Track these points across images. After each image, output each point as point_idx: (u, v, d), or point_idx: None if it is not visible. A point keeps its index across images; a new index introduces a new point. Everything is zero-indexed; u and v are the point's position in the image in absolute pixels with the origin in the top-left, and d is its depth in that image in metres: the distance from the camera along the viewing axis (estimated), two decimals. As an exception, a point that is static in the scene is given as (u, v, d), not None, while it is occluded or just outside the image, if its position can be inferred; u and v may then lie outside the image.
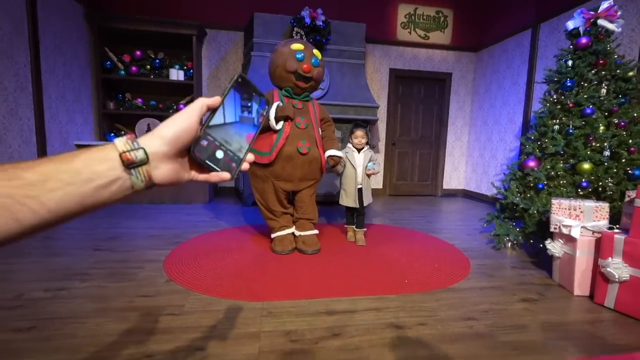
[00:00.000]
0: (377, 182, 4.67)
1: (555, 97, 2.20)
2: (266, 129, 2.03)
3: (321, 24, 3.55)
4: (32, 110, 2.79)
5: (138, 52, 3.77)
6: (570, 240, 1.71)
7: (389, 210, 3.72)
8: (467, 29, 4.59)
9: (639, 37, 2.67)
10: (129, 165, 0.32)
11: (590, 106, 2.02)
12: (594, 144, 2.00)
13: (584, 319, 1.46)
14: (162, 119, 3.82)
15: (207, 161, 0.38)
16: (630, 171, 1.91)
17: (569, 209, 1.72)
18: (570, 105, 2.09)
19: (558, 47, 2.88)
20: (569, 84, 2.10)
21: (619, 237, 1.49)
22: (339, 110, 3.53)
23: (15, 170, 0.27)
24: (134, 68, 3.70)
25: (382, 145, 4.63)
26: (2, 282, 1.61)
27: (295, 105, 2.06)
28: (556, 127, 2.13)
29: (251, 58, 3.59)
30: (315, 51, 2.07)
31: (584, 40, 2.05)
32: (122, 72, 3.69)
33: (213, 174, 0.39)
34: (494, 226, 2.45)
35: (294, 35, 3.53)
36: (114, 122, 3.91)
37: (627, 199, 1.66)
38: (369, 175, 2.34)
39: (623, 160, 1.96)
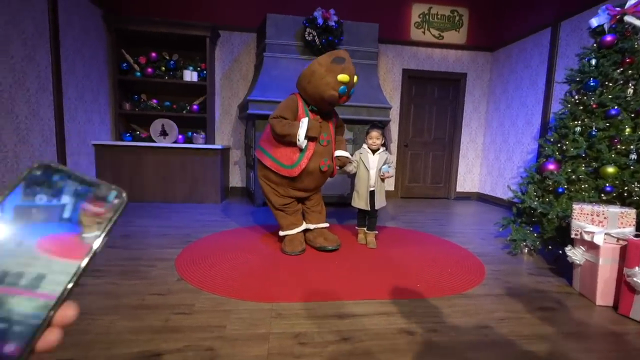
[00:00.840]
0: (389, 184, 4.61)
1: (577, 97, 2.11)
2: (288, 142, 2.00)
3: (334, 24, 3.53)
4: (53, 110, 2.88)
5: (153, 54, 3.85)
6: (592, 247, 1.63)
7: (400, 213, 3.66)
8: (483, 29, 4.49)
9: (668, 35, 2.53)
10: None
11: (616, 107, 1.92)
12: (619, 146, 1.90)
13: (608, 331, 1.38)
14: (175, 119, 3.89)
15: None
16: (658, 175, 1.82)
17: (592, 215, 1.64)
18: (594, 106, 2.00)
19: (580, 45, 2.77)
20: (592, 84, 2.01)
21: (646, 245, 1.41)
22: (351, 111, 3.50)
23: None
24: (149, 69, 3.78)
25: (394, 146, 4.57)
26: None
27: (320, 123, 2.05)
28: (578, 128, 2.04)
29: (263, 59, 3.61)
30: (356, 79, 1.95)
31: (609, 38, 1.96)
32: (138, 74, 3.78)
33: None
34: (510, 231, 2.37)
35: (306, 36, 3.52)
36: (130, 123, 4.00)
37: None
38: (382, 179, 2.29)
39: (651, 164, 1.86)
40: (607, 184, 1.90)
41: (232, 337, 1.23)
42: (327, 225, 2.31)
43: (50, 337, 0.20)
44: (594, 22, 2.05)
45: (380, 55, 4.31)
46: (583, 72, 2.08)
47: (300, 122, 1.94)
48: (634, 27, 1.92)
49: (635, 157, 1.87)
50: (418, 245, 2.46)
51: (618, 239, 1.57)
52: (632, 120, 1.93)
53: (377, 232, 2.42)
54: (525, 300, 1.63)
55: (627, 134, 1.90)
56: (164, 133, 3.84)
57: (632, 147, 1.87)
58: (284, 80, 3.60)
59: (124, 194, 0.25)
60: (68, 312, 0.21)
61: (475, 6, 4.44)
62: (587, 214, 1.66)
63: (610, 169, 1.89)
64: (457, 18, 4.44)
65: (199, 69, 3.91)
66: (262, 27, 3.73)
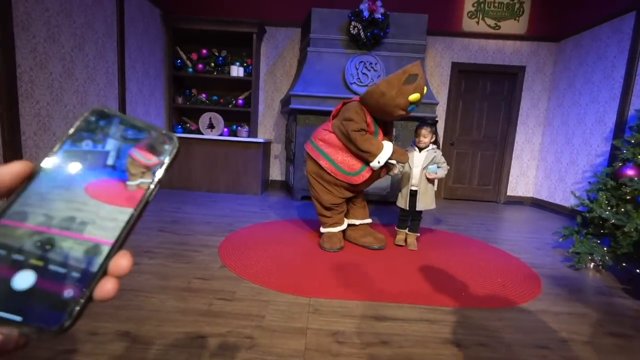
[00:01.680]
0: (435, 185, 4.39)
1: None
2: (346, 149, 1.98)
3: (380, 17, 3.42)
4: (117, 104, 3.17)
5: (204, 51, 4.05)
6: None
7: (443, 215, 3.47)
8: (548, 16, 4.04)
9: None
10: None
11: None
12: None
13: (701, 369, 1.17)
14: (222, 113, 4.07)
15: None
16: None
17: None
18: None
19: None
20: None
21: None
22: (394, 107, 3.37)
23: None
24: (200, 65, 3.99)
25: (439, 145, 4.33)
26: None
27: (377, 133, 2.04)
28: (669, 128, 1.75)
29: (307, 54, 3.61)
30: (425, 90, 1.87)
31: None
32: (190, 70, 4.00)
33: (0, 334, 0.17)
34: (573, 242, 2.12)
35: (351, 29, 3.45)
36: (181, 116, 4.27)
37: None
38: (428, 179, 2.14)
39: None
40: None
41: (270, 328, 1.25)
42: (370, 220, 2.28)
43: (107, 286, 0.19)
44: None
45: (428, 48, 4.09)
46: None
47: (385, 146, 1.90)
48: None
49: None
50: (462, 250, 2.31)
51: None
52: None
53: (419, 234, 2.31)
54: (594, 322, 1.44)
55: None
56: (211, 126, 4.04)
57: None
58: (327, 75, 3.58)
59: (176, 139, 0.23)
60: (123, 262, 0.20)
61: (540, -9, 4.01)
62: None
63: None
64: (517, 6, 4.05)
65: (245, 64, 4.04)
66: (307, 21, 3.73)
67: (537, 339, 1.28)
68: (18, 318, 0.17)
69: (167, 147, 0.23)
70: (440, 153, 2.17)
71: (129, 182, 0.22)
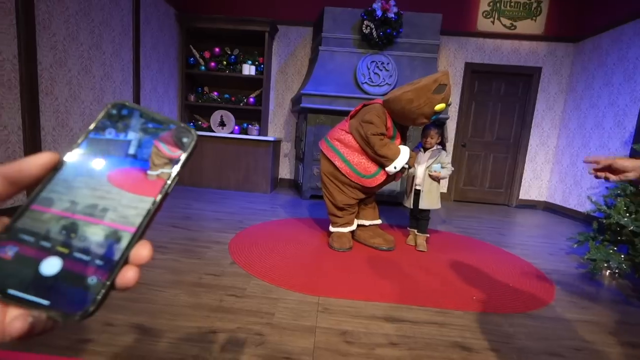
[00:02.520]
0: (442, 185, 4.33)
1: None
2: (360, 149, 1.97)
3: (393, 16, 3.39)
4: (132, 101, 3.23)
5: (217, 49, 4.09)
6: None
7: (453, 217, 3.43)
8: (566, 15, 3.94)
9: None
10: None
11: None
12: None
13: None
14: (233, 111, 4.11)
15: (11, 292, 0.18)
16: None
17: None
18: None
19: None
20: None
21: None
22: (405, 107, 3.35)
23: None
24: (212, 64, 4.03)
25: (450, 146, 4.29)
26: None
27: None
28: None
29: (319, 53, 3.61)
30: (450, 101, 1.87)
31: None
32: (203, 68, 4.05)
33: (26, 322, 0.18)
34: (588, 248, 2.07)
35: (363, 28, 3.44)
36: (193, 113, 4.32)
37: None
38: (432, 178, 2.13)
39: None
40: None
41: (280, 326, 1.26)
42: (380, 222, 2.27)
43: (129, 274, 0.20)
44: None
45: (441, 48, 4.04)
46: None
47: (402, 151, 1.89)
48: None
49: None
50: (473, 253, 2.28)
51: None
52: None
53: (428, 235, 2.29)
54: (609, 331, 1.40)
55: None
56: (222, 124, 4.08)
57: None
58: (338, 75, 3.57)
59: (194, 132, 0.24)
60: (143, 251, 0.20)
61: (559, -10, 3.91)
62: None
63: None
64: (534, 5, 3.96)
65: (257, 63, 4.06)
66: (319, 20, 3.73)
67: (549, 347, 1.25)
68: (46, 302, 0.18)
69: (185, 140, 0.23)
70: (446, 154, 2.16)
71: (149, 172, 0.23)
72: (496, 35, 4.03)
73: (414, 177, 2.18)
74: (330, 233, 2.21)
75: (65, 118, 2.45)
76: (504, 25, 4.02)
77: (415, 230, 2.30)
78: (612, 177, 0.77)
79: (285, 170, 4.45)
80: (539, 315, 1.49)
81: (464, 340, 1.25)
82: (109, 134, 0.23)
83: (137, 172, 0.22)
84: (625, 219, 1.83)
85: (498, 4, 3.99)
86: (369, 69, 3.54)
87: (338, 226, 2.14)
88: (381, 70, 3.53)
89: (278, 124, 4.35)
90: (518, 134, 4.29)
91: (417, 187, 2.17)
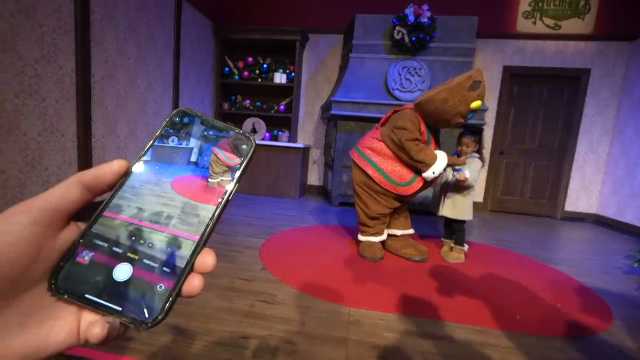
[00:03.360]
0: (477, 194, 4.13)
1: None
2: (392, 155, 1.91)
3: (426, 20, 3.32)
4: (171, 110, 3.42)
5: (250, 59, 4.24)
6: None
7: (491, 229, 3.24)
8: (619, 12, 3.63)
9: None
10: None
11: None
12: None
13: None
14: (264, 118, 4.21)
15: (88, 297, 0.18)
16: None
17: None
18: None
19: None
20: None
21: None
22: (438, 113, 3.24)
23: None
24: (245, 73, 4.18)
25: (486, 153, 4.07)
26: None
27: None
28: None
29: (349, 60, 3.62)
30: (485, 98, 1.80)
31: None
32: (237, 77, 4.21)
33: (104, 328, 0.17)
34: (652, 268, 1.85)
35: (395, 34, 3.40)
36: (227, 121, 4.49)
37: None
38: (459, 183, 1.96)
39: None
40: None
41: (310, 335, 1.24)
42: (412, 231, 2.20)
43: (195, 282, 0.20)
44: None
45: (476, 52, 3.88)
46: None
47: (439, 156, 1.82)
48: None
49: None
50: (513, 267, 2.12)
51: None
52: None
53: (465, 248, 2.17)
54: (682, 365, 1.23)
55: None
56: (254, 131, 4.20)
57: None
58: (369, 81, 3.54)
59: (253, 140, 0.24)
60: (208, 259, 0.20)
61: (611, -14, 3.62)
62: None
63: None
64: (582, 2, 3.70)
65: (287, 71, 4.15)
66: (349, 28, 3.74)
67: (610, 378, 1.12)
68: (119, 308, 0.18)
69: (245, 147, 0.23)
70: (479, 161, 2.01)
71: (210, 180, 0.23)
72: (538, 36, 3.80)
73: (446, 182, 2.08)
74: (359, 242, 2.16)
75: (113, 126, 2.65)
76: (547, 26, 3.78)
77: (452, 242, 2.19)
78: None
79: (314, 177, 4.47)
80: (596, 342, 1.34)
81: (509, 365, 1.15)
82: (172, 141, 0.23)
83: (199, 180, 0.23)
84: (700, 237, 1.61)
85: (540, 4, 3.77)
86: (400, 75, 3.48)
87: (368, 235, 2.09)
88: (413, 75, 3.46)
89: (307, 131, 4.40)
90: (563, 141, 3.99)
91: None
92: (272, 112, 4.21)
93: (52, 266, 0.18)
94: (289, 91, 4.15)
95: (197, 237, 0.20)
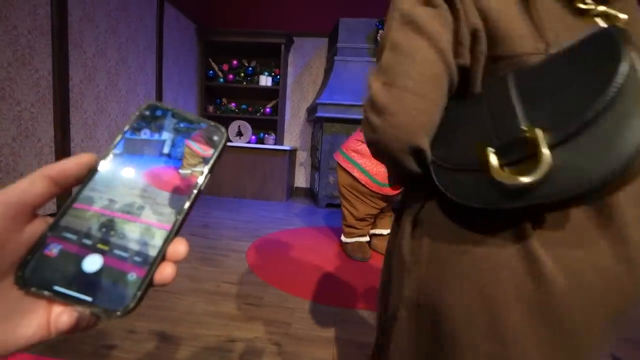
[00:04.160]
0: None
1: None
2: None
3: (408, 24, 3.40)
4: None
5: (235, 61, 4.21)
6: None
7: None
8: None
9: None
10: None
11: None
12: None
13: None
14: (250, 121, 4.19)
15: (57, 288, 0.18)
16: None
17: None
18: None
19: None
20: None
21: None
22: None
23: None
24: (230, 76, 4.16)
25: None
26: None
27: None
28: None
29: (334, 63, 3.66)
30: None
31: None
32: (221, 80, 4.18)
33: (72, 316, 0.18)
34: None
35: (378, 37, 3.46)
36: (212, 124, 4.44)
37: None
38: None
39: None
40: None
41: (297, 336, 1.25)
42: None
43: (167, 270, 0.20)
44: None
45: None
46: None
47: None
48: None
49: None
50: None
51: None
52: None
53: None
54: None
55: None
56: (239, 134, 4.17)
57: None
58: (353, 84, 3.59)
59: (224, 131, 0.24)
60: (180, 247, 0.21)
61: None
62: None
63: None
64: None
65: (273, 74, 4.15)
66: (334, 31, 3.79)
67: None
68: (89, 298, 0.18)
69: (216, 138, 0.24)
70: None
71: (182, 171, 0.23)
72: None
73: None
74: (343, 243, 2.19)
75: (93, 130, 2.58)
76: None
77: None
78: None
79: (301, 179, 4.48)
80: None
81: None
82: (144, 134, 0.24)
83: (171, 171, 0.23)
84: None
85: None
86: (384, 78, 3.54)
87: (355, 236, 2.12)
88: (396, 78, 3.53)
89: (294, 134, 4.40)
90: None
91: None
92: (258, 114, 4.20)
93: (18, 259, 0.18)
94: (275, 94, 4.15)
95: (169, 226, 0.21)
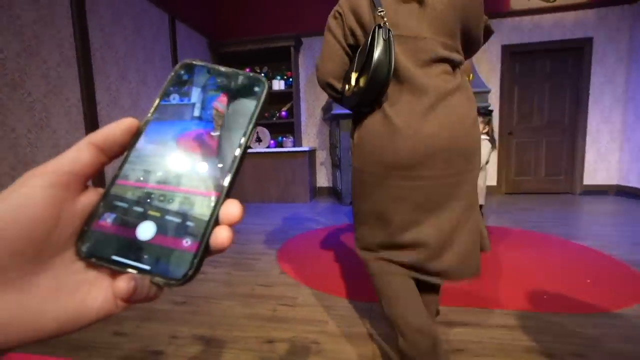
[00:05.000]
0: (490, 177, 4.05)
1: None
2: None
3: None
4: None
5: (247, 70, 4.29)
6: None
7: (510, 210, 3.17)
8: (617, -23, 3.53)
9: None
10: None
11: None
12: None
13: None
14: (267, 126, 4.25)
15: (115, 258, 0.18)
16: None
17: None
18: None
19: None
20: None
21: None
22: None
23: None
24: (244, 84, 4.24)
25: (495, 135, 4.00)
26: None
27: None
28: None
29: (345, 58, 3.62)
30: (471, 77, 1.81)
31: None
32: (236, 89, 4.27)
33: (130, 282, 0.18)
34: (683, 233, 1.76)
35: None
36: (231, 133, 4.55)
37: None
38: None
39: None
40: None
41: (334, 334, 1.23)
42: None
43: (222, 234, 0.19)
44: None
45: (473, 34, 3.83)
46: None
47: None
48: None
49: None
50: (536, 247, 2.07)
51: None
52: None
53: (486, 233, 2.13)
54: None
55: None
56: (258, 139, 4.24)
57: None
58: (367, 77, 3.54)
59: (265, 81, 0.22)
60: (233, 208, 0.19)
61: (604, -49, 3.53)
62: None
63: None
64: (576, -29, 3.62)
65: (285, 77, 4.19)
66: (342, 27, 3.76)
67: (651, 350, 1.07)
68: (147, 267, 0.18)
69: (257, 89, 0.22)
70: (489, 145, 1.97)
71: (221, 131, 0.21)
72: (534, 11, 3.73)
73: None
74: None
75: (123, 150, 2.72)
76: (542, -1, 3.71)
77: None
78: None
79: (323, 179, 4.47)
80: (629, 315, 1.29)
81: (541, 345, 1.12)
82: (180, 96, 0.22)
83: (212, 131, 0.21)
84: None
85: (532, -22, 3.70)
86: (397, 67, 3.46)
87: None
88: (410, 66, 3.44)
89: (311, 134, 4.41)
90: (573, 114, 3.88)
91: None
92: (275, 119, 4.24)
93: (76, 230, 0.18)
94: (289, 97, 4.18)
95: (220, 189, 0.20)
